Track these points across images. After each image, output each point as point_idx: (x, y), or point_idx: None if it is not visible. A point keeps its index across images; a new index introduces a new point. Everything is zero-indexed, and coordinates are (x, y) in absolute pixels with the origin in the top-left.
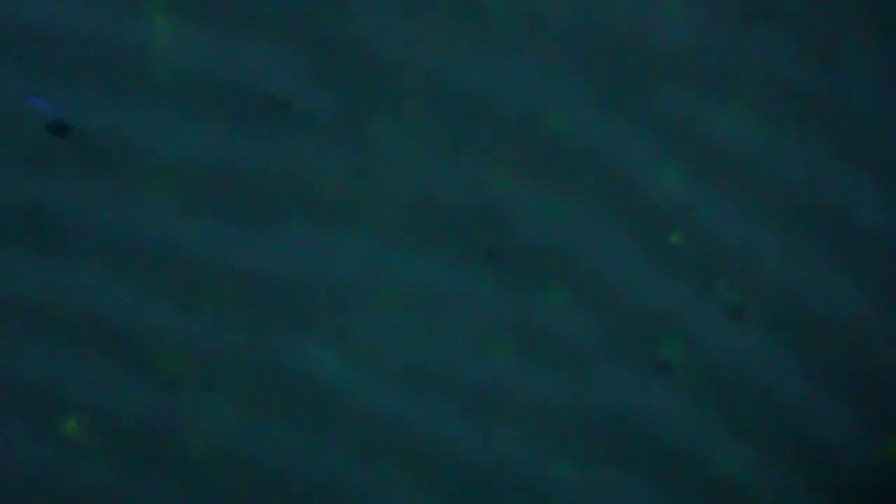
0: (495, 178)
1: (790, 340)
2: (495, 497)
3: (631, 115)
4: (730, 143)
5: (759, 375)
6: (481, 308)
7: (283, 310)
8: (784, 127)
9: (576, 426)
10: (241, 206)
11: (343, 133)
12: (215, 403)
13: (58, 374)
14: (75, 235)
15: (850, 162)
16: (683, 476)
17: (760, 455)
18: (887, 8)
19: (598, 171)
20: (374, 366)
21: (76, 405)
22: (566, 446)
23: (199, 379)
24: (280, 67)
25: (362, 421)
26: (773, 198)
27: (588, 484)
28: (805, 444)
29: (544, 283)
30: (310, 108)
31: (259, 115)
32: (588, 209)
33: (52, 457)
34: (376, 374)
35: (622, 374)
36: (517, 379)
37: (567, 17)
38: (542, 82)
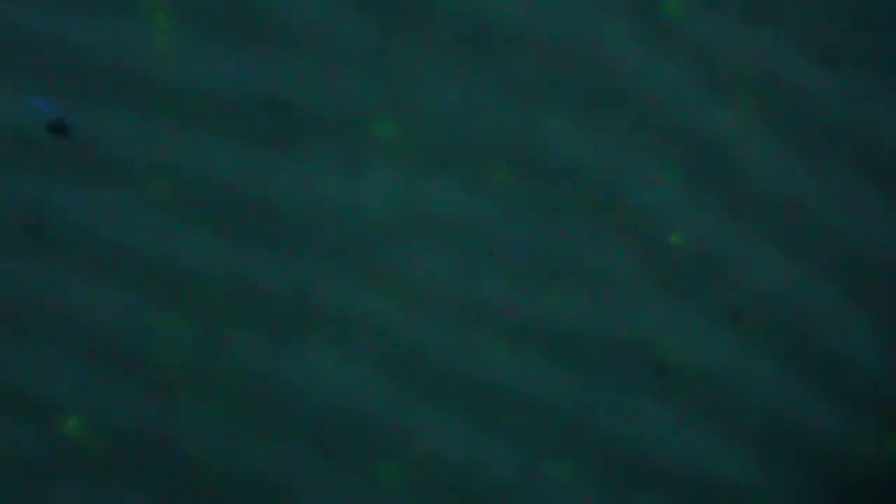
0: (532, 106)
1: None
2: (528, 419)
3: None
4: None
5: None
6: (517, 241)
7: (314, 247)
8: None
9: (607, 357)
10: (267, 134)
11: (373, 63)
12: (245, 336)
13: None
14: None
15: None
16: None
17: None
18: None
19: (636, 104)
20: (410, 300)
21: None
22: (600, 375)
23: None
24: None
25: (399, 357)
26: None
27: (621, 408)
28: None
29: (584, 215)
30: (341, 37)
31: (284, 46)
32: (630, 141)
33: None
34: (412, 308)
35: (658, 305)
36: (551, 309)
37: None
38: (589, 17)
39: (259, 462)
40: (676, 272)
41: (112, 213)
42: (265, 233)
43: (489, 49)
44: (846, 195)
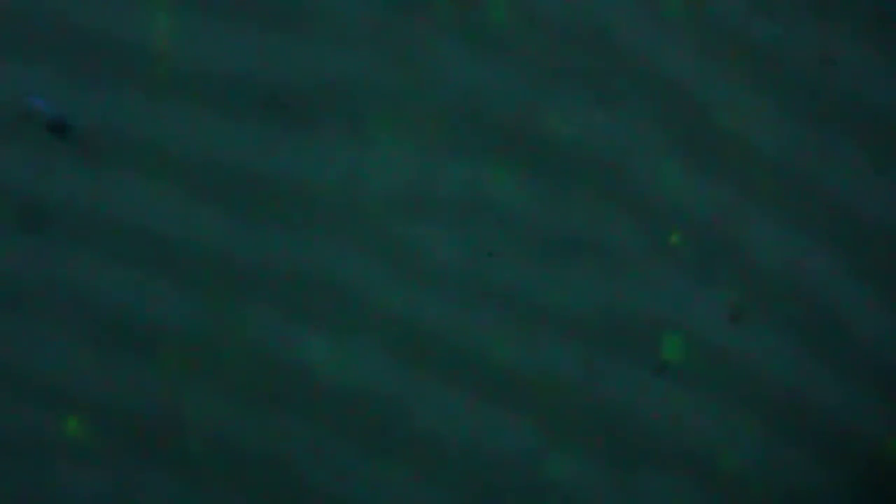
0: (542, 85)
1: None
2: (537, 394)
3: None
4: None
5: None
6: (526, 219)
7: (322, 222)
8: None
9: (616, 335)
10: (272, 116)
11: (381, 41)
12: (254, 313)
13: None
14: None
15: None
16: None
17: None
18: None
19: (645, 82)
20: (419, 278)
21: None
22: (610, 353)
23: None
24: None
25: (403, 331)
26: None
27: (629, 386)
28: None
29: (593, 193)
30: (349, 15)
31: (294, 23)
32: (635, 120)
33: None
34: (420, 286)
35: (669, 282)
36: (558, 283)
37: None
38: None
39: (269, 441)
40: (686, 250)
41: (118, 192)
42: (274, 211)
43: (499, 27)
44: (852, 166)
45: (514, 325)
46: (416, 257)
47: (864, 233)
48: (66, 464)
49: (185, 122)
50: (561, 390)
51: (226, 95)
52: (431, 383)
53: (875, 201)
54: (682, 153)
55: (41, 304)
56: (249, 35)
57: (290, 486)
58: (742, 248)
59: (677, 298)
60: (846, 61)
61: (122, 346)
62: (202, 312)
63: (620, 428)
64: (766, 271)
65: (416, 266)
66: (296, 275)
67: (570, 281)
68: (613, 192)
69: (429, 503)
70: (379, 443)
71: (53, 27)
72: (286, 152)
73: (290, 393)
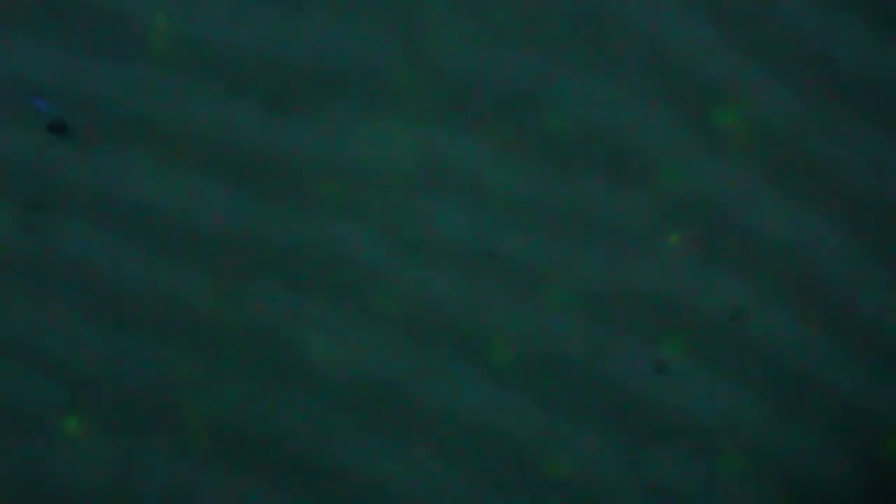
0: (548, 61)
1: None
2: (547, 373)
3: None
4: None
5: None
6: (534, 195)
7: (328, 198)
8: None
9: (624, 309)
10: (280, 93)
11: (389, 19)
12: (264, 288)
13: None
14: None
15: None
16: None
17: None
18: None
19: (650, 58)
20: (427, 254)
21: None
22: (618, 327)
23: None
24: None
25: (412, 307)
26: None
27: (637, 359)
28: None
29: (591, 166)
30: None
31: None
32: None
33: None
34: (428, 262)
35: (673, 257)
36: (566, 262)
37: None
38: None
39: (274, 417)
40: (691, 225)
41: (130, 170)
42: (283, 188)
43: (505, 4)
44: (860, 146)
45: (523, 303)
46: (425, 234)
47: (880, 214)
48: (70, 436)
49: (190, 98)
50: (570, 368)
51: (233, 71)
52: (440, 360)
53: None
54: (692, 133)
55: (48, 279)
56: (257, 12)
57: (295, 462)
58: (751, 227)
59: (686, 277)
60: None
61: (129, 322)
62: (209, 288)
63: (629, 404)
64: (775, 249)
65: (425, 243)
66: (303, 250)
67: (578, 259)
68: (621, 170)
69: (438, 478)
70: (387, 419)
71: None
72: (293, 129)
73: (296, 369)
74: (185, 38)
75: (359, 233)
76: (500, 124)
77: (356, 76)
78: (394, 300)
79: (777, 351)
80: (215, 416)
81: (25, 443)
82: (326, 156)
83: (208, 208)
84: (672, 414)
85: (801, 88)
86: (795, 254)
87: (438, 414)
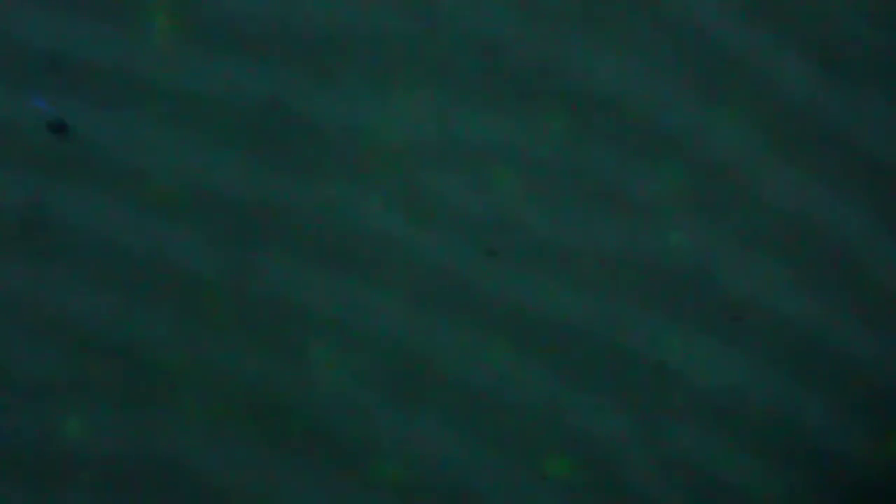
0: (568, 36)
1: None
2: (553, 343)
3: None
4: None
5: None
6: (548, 167)
7: (342, 169)
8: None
9: (641, 282)
10: (304, 60)
11: None
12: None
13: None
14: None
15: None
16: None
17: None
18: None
19: (672, 32)
20: (439, 225)
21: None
22: (634, 300)
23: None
24: None
25: (425, 276)
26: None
27: (654, 334)
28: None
29: (616, 141)
30: None
31: None
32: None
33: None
34: (441, 233)
35: (692, 229)
36: (582, 234)
37: None
38: None
39: (294, 387)
40: (709, 196)
41: (144, 139)
42: (296, 158)
43: None
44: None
45: (537, 273)
46: (437, 205)
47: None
48: (86, 407)
49: (203, 65)
50: (584, 336)
51: (246, 39)
52: (454, 329)
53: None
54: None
55: (68, 250)
56: None
57: (315, 430)
58: (766, 198)
59: (702, 245)
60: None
61: (146, 292)
62: (226, 257)
63: (643, 373)
64: (785, 215)
65: (436, 213)
66: (317, 221)
67: (594, 231)
68: (636, 142)
69: (452, 447)
70: (402, 387)
71: None
72: (306, 96)
73: (313, 338)
74: (197, 12)
75: (370, 203)
76: (514, 97)
77: (371, 44)
78: (408, 268)
79: (792, 324)
80: (223, 386)
81: (30, 408)
82: (340, 128)
83: (218, 176)
84: (688, 387)
85: (818, 61)
86: (811, 225)
87: (449, 383)
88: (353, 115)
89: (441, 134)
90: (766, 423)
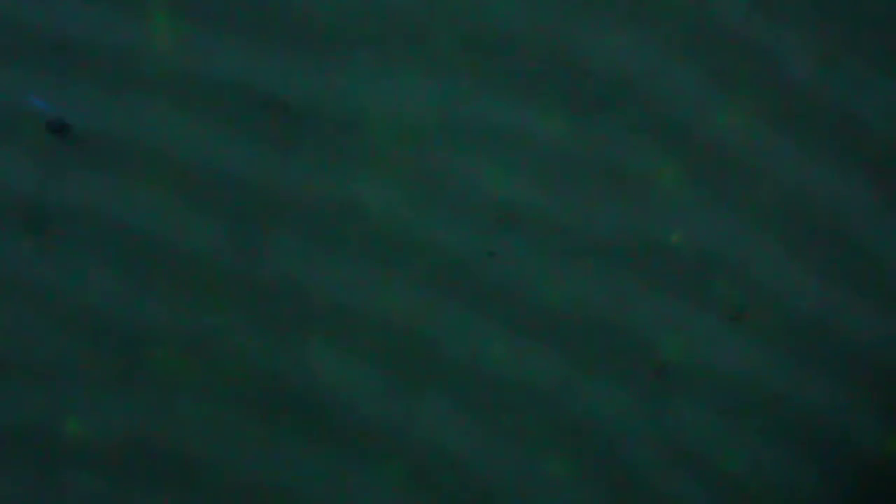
0: (573, 17)
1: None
2: (571, 330)
3: None
4: None
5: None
6: (555, 147)
7: (352, 153)
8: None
9: (649, 260)
10: (307, 40)
11: None
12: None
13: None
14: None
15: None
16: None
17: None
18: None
19: (677, 13)
20: (447, 206)
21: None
22: (639, 280)
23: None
24: None
25: (436, 259)
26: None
27: (659, 314)
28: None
29: (621, 119)
30: None
31: None
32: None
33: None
34: (449, 215)
35: (696, 209)
36: (588, 214)
37: None
38: None
39: (300, 370)
40: (714, 176)
41: (145, 119)
42: (303, 143)
43: None
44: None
45: (547, 255)
46: (444, 189)
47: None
48: (92, 390)
49: (211, 50)
50: (591, 319)
51: (253, 21)
52: (463, 314)
53: None
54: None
55: (73, 230)
56: None
57: (318, 417)
58: (772, 177)
59: (706, 225)
60: None
61: (151, 276)
62: (232, 241)
63: (651, 356)
64: (793, 200)
65: (444, 197)
66: (320, 203)
67: (601, 211)
68: (640, 120)
69: (461, 433)
70: (411, 372)
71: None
72: (314, 79)
73: (320, 323)
74: None
75: (377, 186)
76: (520, 76)
77: (377, 29)
78: (418, 251)
79: (798, 305)
80: (231, 368)
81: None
82: (347, 108)
83: (225, 160)
84: (694, 367)
85: (824, 42)
86: (818, 209)
87: (460, 365)
88: (360, 99)
89: (448, 117)
90: (771, 408)
